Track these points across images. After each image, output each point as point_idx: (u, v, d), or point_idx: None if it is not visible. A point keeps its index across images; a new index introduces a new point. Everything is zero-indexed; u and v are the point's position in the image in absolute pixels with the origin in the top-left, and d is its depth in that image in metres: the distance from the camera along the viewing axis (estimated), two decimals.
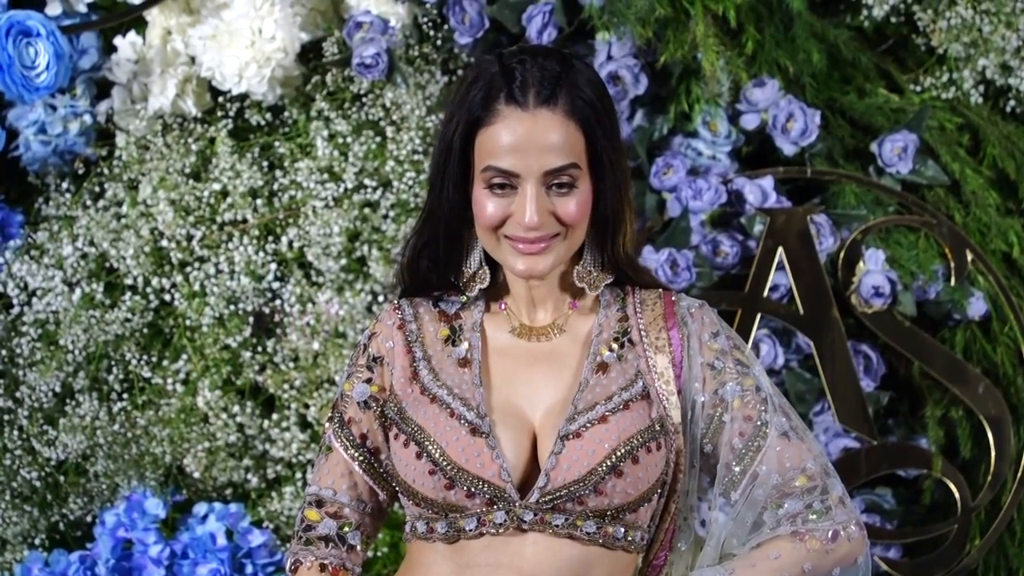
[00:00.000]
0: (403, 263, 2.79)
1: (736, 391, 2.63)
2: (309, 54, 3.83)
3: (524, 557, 2.55)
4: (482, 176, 2.61)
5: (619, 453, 2.54)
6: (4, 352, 3.83)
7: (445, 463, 2.54)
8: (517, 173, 2.57)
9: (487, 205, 2.60)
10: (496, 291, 2.74)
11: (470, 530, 2.56)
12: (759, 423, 2.61)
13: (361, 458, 2.68)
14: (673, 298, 2.72)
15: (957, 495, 3.71)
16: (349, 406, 2.69)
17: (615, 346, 2.68)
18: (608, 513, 2.55)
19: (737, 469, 2.60)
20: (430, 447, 2.56)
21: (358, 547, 2.74)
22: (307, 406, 3.76)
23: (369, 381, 2.70)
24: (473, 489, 2.53)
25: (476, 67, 2.83)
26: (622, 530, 2.58)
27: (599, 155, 2.63)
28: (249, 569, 3.67)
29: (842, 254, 3.74)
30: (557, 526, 2.53)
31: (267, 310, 3.85)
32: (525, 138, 2.59)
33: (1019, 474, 3.75)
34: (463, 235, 2.73)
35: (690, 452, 2.65)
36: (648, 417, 2.59)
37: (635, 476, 2.55)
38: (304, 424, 3.77)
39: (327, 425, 2.79)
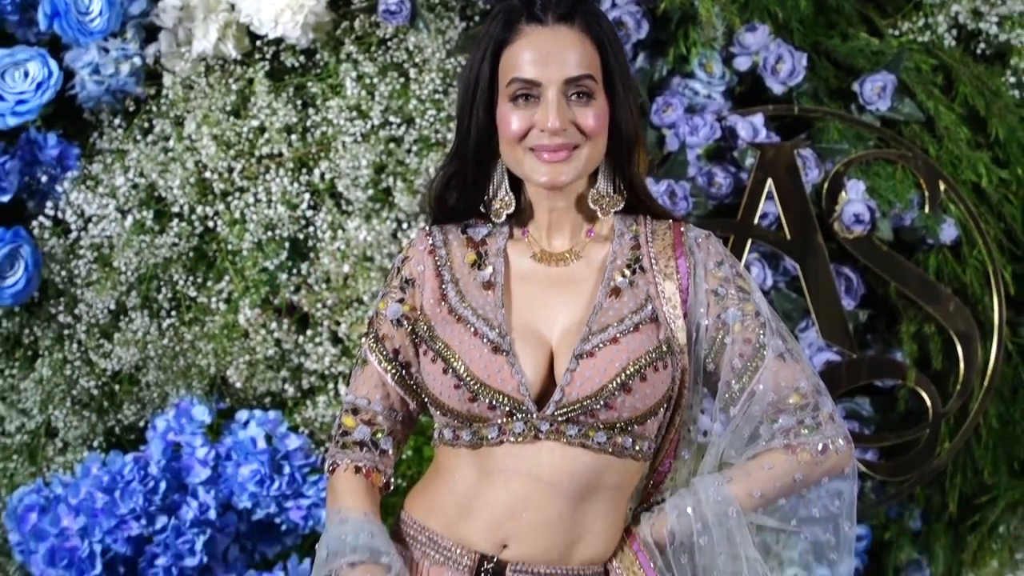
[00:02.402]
0: (431, 194, 2.83)
1: (737, 316, 2.67)
2: (339, 1, 3.82)
3: (541, 464, 2.60)
4: (507, 91, 2.64)
5: (629, 371, 2.58)
6: (64, 273, 3.86)
7: (469, 378, 2.60)
8: (539, 82, 2.60)
9: (512, 119, 2.63)
10: (519, 219, 2.77)
11: (492, 438, 2.61)
12: (758, 345, 2.65)
13: (393, 371, 2.74)
14: (682, 229, 2.74)
15: (929, 403, 3.77)
16: (383, 323, 2.74)
17: (627, 272, 2.70)
18: (617, 425, 2.60)
19: (736, 387, 2.64)
20: (455, 363, 2.61)
21: (390, 451, 2.80)
22: (338, 323, 3.78)
23: (401, 301, 2.75)
24: (494, 402, 2.58)
25: (500, 5, 2.83)
26: (630, 440, 2.62)
27: (612, 73, 2.67)
28: (286, 470, 3.72)
29: (826, 185, 3.76)
30: (571, 436, 2.59)
31: (301, 236, 3.86)
32: (546, 50, 2.63)
33: (985, 384, 3.81)
34: (489, 163, 2.74)
35: (694, 370, 2.70)
36: (656, 339, 2.63)
37: (643, 392, 2.60)
38: (336, 340, 3.80)
39: (364, 340, 2.83)
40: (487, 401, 2.59)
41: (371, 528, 2.76)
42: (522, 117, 2.62)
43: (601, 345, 2.61)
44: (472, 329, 2.65)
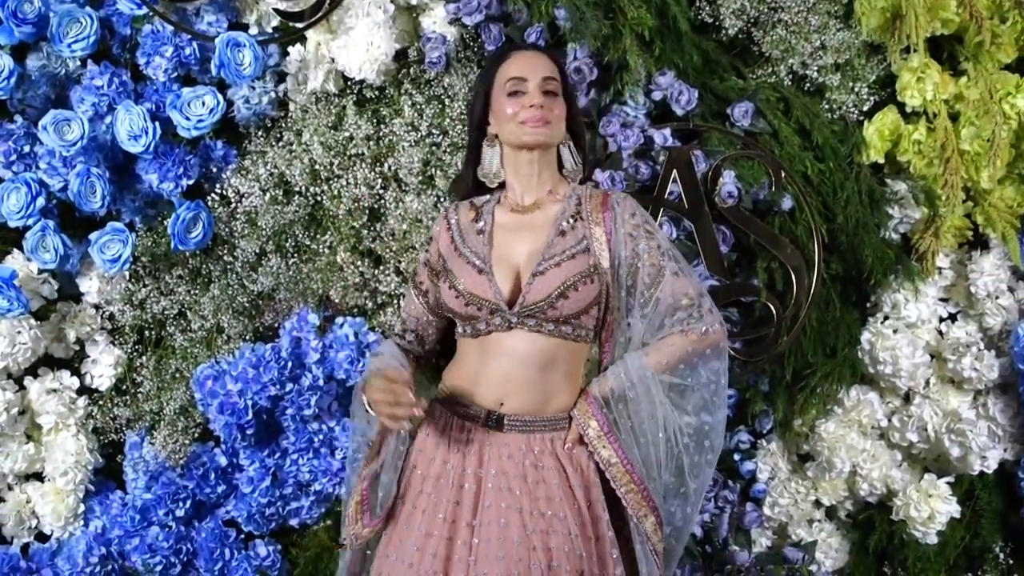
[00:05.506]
0: (458, 189, 3.11)
1: (646, 248, 2.83)
2: (400, 56, 3.94)
3: (515, 346, 2.81)
4: (505, 87, 2.83)
5: (566, 285, 2.79)
6: (227, 229, 3.99)
7: (465, 291, 2.84)
8: (525, 77, 2.83)
9: (508, 106, 2.84)
10: (505, 190, 2.97)
11: (481, 328, 2.84)
12: (660, 267, 2.83)
13: (422, 299, 3.02)
14: (609, 193, 2.93)
15: (774, 311, 3.91)
16: (420, 270, 3.07)
17: (572, 221, 2.84)
18: (560, 319, 2.80)
19: (648, 294, 2.80)
20: (457, 282, 2.86)
21: (416, 346, 3.07)
22: (400, 261, 3.89)
23: (427, 251, 3.07)
24: (480, 305, 2.82)
25: (497, 47, 3.22)
26: (571, 329, 2.82)
27: (567, 90, 2.91)
28: (367, 355, 3.76)
29: (710, 173, 3.87)
30: (531, 325, 2.80)
31: (376, 205, 3.87)
32: (529, 60, 2.87)
33: (809, 299, 3.90)
34: (481, 145, 2.94)
35: (618, 286, 2.82)
36: (587, 264, 2.80)
37: (576, 298, 2.80)
38: (398, 272, 3.90)
39: (409, 283, 3.08)
40: (476, 305, 2.81)
41: (395, 352, 2.92)
42: (514, 104, 2.84)
43: (549, 267, 2.77)
44: (467, 260, 2.85)
